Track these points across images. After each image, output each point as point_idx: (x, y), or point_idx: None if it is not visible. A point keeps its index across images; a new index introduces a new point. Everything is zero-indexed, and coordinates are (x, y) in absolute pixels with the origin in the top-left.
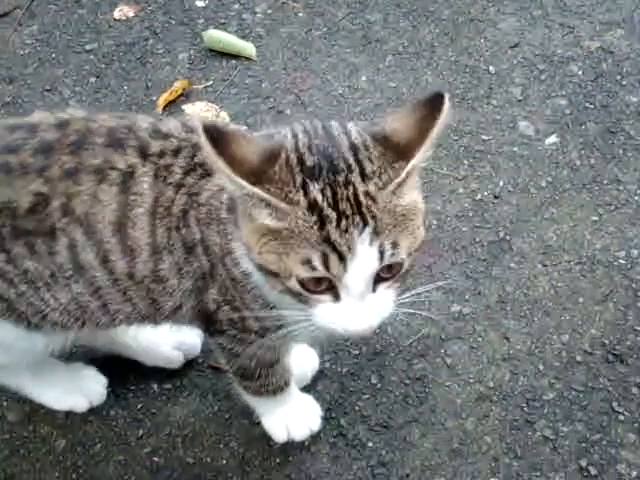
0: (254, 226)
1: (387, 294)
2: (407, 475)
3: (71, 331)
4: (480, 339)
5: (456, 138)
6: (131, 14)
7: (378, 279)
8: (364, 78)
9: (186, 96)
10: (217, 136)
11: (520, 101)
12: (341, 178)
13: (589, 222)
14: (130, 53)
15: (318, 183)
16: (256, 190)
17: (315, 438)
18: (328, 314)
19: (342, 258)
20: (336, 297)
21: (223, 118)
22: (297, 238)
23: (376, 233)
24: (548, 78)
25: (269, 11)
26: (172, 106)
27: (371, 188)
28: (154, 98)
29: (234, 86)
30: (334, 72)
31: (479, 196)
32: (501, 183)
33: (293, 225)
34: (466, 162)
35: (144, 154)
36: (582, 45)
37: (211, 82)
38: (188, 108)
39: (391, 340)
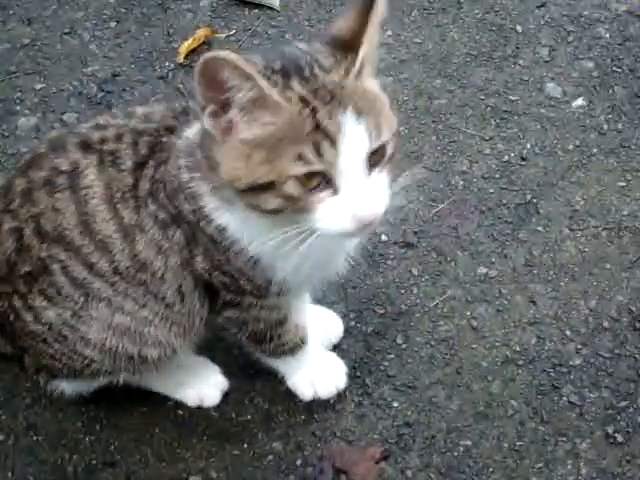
0: (240, 149)
1: (381, 178)
2: (433, 436)
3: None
4: (506, 302)
5: (483, 97)
6: None
7: (369, 164)
8: (389, 33)
9: (208, 45)
10: None
11: (547, 62)
12: (307, 73)
13: (616, 187)
14: None
15: (295, 79)
16: (265, 83)
17: (340, 396)
18: (331, 211)
19: (333, 141)
20: (335, 190)
21: None
22: (288, 136)
23: (358, 112)
24: (575, 40)
25: None
26: (194, 55)
27: (335, 78)
28: (175, 46)
29: (257, 36)
30: None
31: (506, 157)
32: (528, 145)
33: (287, 121)
34: (493, 122)
35: (86, 146)
36: (610, 7)
37: (233, 31)
38: None
39: (416, 300)
